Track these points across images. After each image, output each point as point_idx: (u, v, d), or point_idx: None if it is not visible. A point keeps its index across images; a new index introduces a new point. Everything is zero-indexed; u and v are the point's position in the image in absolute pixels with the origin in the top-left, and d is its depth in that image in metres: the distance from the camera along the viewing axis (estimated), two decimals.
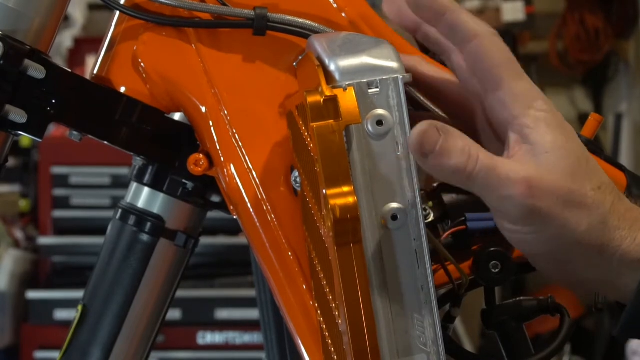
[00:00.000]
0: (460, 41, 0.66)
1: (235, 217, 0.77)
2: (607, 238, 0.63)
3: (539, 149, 0.63)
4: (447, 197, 0.77)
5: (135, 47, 0.78)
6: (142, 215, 0.80)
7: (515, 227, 0.64)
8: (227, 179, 0.76)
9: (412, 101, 0.73)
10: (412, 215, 0.63)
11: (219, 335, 2.79)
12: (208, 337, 2.79)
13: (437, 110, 0.72)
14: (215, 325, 2.79)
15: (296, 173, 0.73)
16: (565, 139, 0.64)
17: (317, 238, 0.67)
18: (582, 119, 3.48)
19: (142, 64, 0.77)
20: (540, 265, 0.68)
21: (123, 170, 2.77)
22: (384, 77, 0.62)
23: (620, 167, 0.78)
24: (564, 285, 0.70)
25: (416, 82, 0.70)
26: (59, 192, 2.89)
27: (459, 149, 0.61)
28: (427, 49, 0.73)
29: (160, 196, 0.81)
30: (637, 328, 0.65)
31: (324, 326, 0.70)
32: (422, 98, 0.73)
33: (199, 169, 0.77)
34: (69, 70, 0.76)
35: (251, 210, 0.75)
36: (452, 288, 0.75)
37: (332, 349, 0.67)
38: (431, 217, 0.76)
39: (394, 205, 0.63)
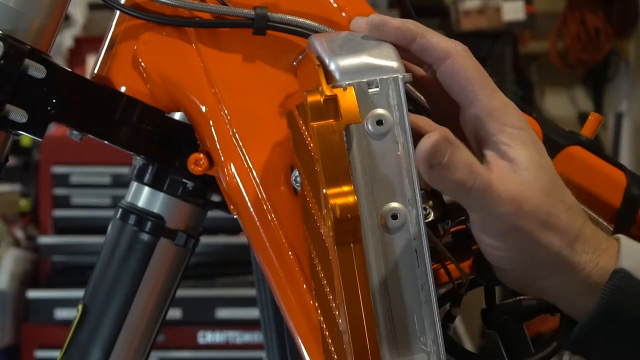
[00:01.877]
0: (435, 61, 0.66)
1: (235, 216, 0.77)
2: (573, 260, 0.65)
3: (518, 166, 0.63)
4: (447, 197, 0.77)
5: (135, 47, 0.78)
6: (143, 215, 0.80)
7: (495, 242, 0.65)
8: (227, 178, 0.76)
9: (412, 101, 0.73)
10: (412, 215, 0.63)
11: (219, 335, 2.79)
12: (208, 337, 2.79)
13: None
14: (215, 325, 2.78)
15: (296, 172, 0.73)
16: (538, 155, 0.65)
17: (317, 237, 0.67)
18: (582, 118, 3.48)
19: (142, 64, 0.78)
20: (508, 279, 0.69)
21: (123, 170, 2.77)
22: (384, 77, 0.62)
23: (621, 167, 0.78)
24: (525, 294, 0.72)
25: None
26: (59, 191, 2.89)
27: (464, 163, 0.61)
28: None
29: (161, 196, 0.81)
30: (584, 344, 0.67)
31: (324, 325, 0.70)
32: (422, 98, 0.73)
33: (199, 169, 0.77)
34: (69, 70, 0.76)
35: (251, 209, 0.75)
36: (452, 287, 0.75)
37: (332, 348, 0.67)
38: (431, 217, 0.76)
39: (394, 204, 0.63)
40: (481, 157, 0.65)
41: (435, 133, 0.60)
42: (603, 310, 0.65)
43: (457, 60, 0.65)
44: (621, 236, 0.68)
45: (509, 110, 0.65)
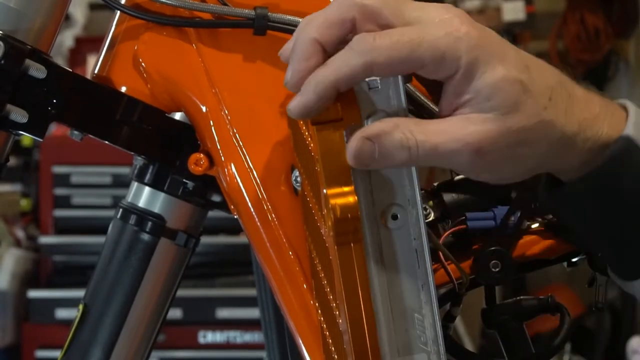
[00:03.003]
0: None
1: (235, 216, 0.77)
2: (567, 150, 0.63)
3: (475, 102, 0.60)
4: (448, 197, 0.77)
5: (136, 47, 0.78)
6: (143, 215, 0.80)
7: (470, 174, 0.64)
8: (228, 178, 0.76)
9: (412, 101, 0.73)
10: (413, 215, 0.63)
11: (219, 335, 2.79)
12: (209, 336, 2.79)
13: (436, 109, 0.72)
14: (216, 325, 2.79)
15: (297, 172, 0.73)
16: (500, 64, 0.60)
17: (318, 237, 0.67)
18: None
19: (142, 64, 0.78)
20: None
21: (124, 170, 2.77)
22: (384, 78, 0.62)
23: None
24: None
25: None
26: (60, 191, 2.89)
27: (398, 145, 0.59)
28: None
29: (161, 196, 0.81)
30: (566, 202, 0.65)
31: (325, 325, 0.70)
32: (422, 98, 0.73)
33: (200, 169, 0.77)
34: (70, 70, 0.76)
35: (252, 209, 0.75)
36: (452, 287, 0.75)
37: (333, 348, 0.67)
38: (431, 217, 0.76)
39: (395, 204, 0.63)
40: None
41: (353, 139, 0.59)
42: (596, 174, 0.63)
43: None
44: (629, 104, 0.66)
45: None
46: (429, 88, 0.73)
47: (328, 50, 0.61)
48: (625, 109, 0.66)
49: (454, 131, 0.60)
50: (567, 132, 0.62)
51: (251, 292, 2.66)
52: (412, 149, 0.59)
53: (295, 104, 0.61)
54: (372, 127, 0.60)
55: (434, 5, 0.61)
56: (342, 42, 0.61)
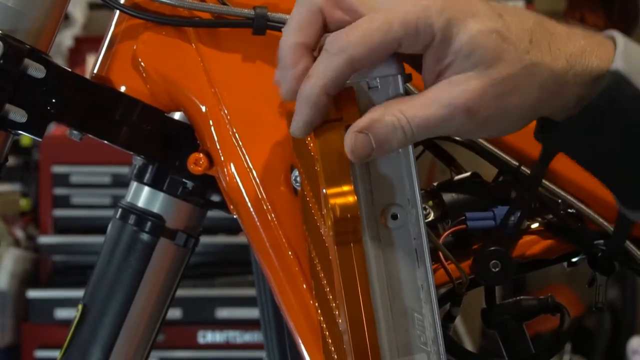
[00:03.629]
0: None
1: (235, 216, 0.77)
2: (560, 88, 0.62)
3: (455, 65, 0.60)
4: (447, 197, 0.77)
5: (135, 47, 0.78)
6: (143, 215, 0.80)
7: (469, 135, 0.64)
8: (227, 178, 0.76)
9: None
10: (412, 215, 0.63)
11: (219, 335, 2.78)
12: (208, 336, 2.79)
13: None
14: (215, 325, 2.78)
15: (296, 172, 0.73)
16: (472, 19, 0.60)
17: (317, 237, 0.67)
18: None
19: (142, 64, 0.78)
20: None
21: (123, 170, 2.76)
22: (383, 77, 0.62)
23: None
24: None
25: None
26: (59, 191, 2.89)
27: (390, 128, 0.59)
28: None
29: (161, 195, 0.81)
30: (565, 141, 0.64)
31: (324, 325, 0.70)
32: None
33: (199, 169, 0.77)
34: (69, 70, 0.76)
35: (251, 209, 0.75)
36: (452, 287, 0.75)
37: (332, 348, 0.67)
38: (431, 216, 0.76)
39: (394, 204, 0.63)
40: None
41: (347, 135, 0.59)
42: (590, 110, 0.62)
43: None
44: (617, 34, 0.64)
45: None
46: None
47: (313, 48, 0.61)
48: (612, 38, 0.64)
49: (441, 98, 0.60)
50: (555, 70, 0.61)
51: (251, 292, 2.65)
52: (405, 127, 0.59)
53: (296, 125, 0.61)
54: (363, 120, 0.60)
55: None
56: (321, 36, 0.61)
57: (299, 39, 0.61)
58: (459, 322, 2.91)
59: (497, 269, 0.75)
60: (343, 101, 0.61)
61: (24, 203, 3.08)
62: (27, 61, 0.73)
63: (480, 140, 0.76)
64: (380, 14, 0.59)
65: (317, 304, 0.72)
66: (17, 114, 0.73)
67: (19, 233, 3.04)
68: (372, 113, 0.60)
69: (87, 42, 3.24)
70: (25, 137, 0.96)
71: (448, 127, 0.60)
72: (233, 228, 2.70)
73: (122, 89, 0.78)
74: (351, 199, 0.59)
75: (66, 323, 2.41)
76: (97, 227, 2.61)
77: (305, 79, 0.60)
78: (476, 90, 0.59)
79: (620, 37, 0.64)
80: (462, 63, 0.59)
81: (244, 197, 0.75)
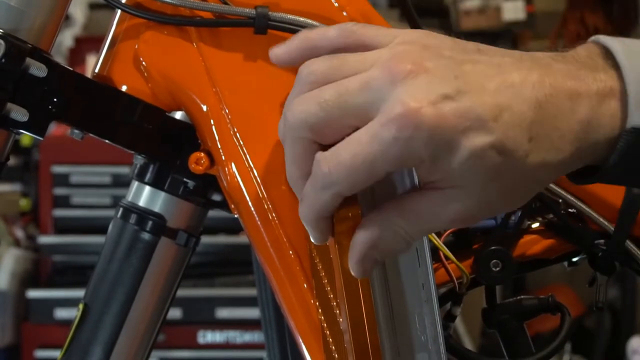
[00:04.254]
0: None
1: (236, 215, 0.77)
2: (575, 160, 0.58)
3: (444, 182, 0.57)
4: None
5: (136, 46, 0.78)
6: (143, 214, 0.80)
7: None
8: (228, 177, 0.76)
9: None
10: None
11: (219, 335, 2.79)
12: (209, 336, 2.79)
13: None
14: (215, 324, 2.78)
15: None
16: (463, 138, 0.55)
17: None
18: None
19: (143, 63, 0.78)
20: None
21: (124, 169, 2.77)
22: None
23: None
24: None
25: None
26: (59, 191, 2.89)
27: (393, 245, 0.58)
28: None
29: (162, 195, 0.81)
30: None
31: (325, 324, 0.70)
32: None
33: (200, 168, 0.77)
34: (71, 69, 0.76)
35: (252, 208, 0.75)
36: (452, 287, 0.75)
37: (333, 347, 0.67)
38: None
39: None
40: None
41: (351, 262, 0.58)
42: (617, 166, 0.58)
43: None
44: (623, 65, 0.58)
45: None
46: None
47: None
48: (616, 67, 0.59)
49: (436, 212, 0.57)
50: (561, 160, 0.57)
51: (251, 291, 2.66)
52: (407, 239, 0.58)
53: (312, 239, 0.61)
54: (359, 244, 0.58)
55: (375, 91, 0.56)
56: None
57: (302, 172, 0.60)
58: (459, 322, 2.91)
59: (497, 269, 0.75)
60: None
61: (24, 203, 3.08)
62: (28, 60, 0.73)
63: None
64: (363, 146, 0.55)
65: (318, 303, 0.72)
66: (19, 113, 0.73)
67: (19, 233, 3.05)
68: (368, 232, 0.58)
69: (87, 42, 3.24)
70: (25, 137, 0.96)
71: (448, 228, 0.61)
72: (234, 228, 2.70)
73: (124, 88, 0.78)
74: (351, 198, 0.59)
75: (66, 323, 2.41)
76: (97, 227, 2.61)
77: (300, 203, 0.59)
78: (471, 208, 0.57)
79: (629, 77, 0.58)
80: (456, 180, 0.56)
81: (245, 196, 0.75)
